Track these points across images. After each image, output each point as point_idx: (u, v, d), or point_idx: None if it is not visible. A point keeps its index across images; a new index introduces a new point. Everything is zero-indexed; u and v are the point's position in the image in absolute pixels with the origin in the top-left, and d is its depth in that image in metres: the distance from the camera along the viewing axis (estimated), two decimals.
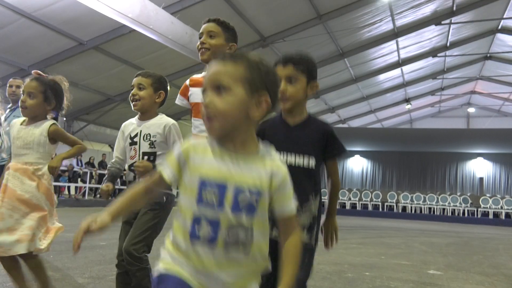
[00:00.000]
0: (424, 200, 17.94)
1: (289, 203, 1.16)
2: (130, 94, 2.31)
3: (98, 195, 15.77)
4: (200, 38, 2.23)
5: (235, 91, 1.07)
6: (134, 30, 9.38)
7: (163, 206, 2.20)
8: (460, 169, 20.94)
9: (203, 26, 2.21)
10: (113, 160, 2.38)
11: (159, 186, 1.19)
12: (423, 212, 17.72)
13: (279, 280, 1.13)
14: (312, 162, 1.75)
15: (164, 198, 2.21)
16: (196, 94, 2.23)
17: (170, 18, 9.15)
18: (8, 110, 3.92)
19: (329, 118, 23.23)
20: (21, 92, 2.30)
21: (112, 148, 19.63)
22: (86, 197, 14.29)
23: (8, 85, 4.04)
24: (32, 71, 2.41)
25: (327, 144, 1.79)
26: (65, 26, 10.24)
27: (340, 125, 24.35)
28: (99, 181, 15.59)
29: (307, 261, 1.75)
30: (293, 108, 1.80)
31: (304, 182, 1.73)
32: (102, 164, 16.39)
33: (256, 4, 11.15)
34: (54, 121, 2.34)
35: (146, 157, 2.25)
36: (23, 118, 2.34)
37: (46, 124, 2.28)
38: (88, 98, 14.44)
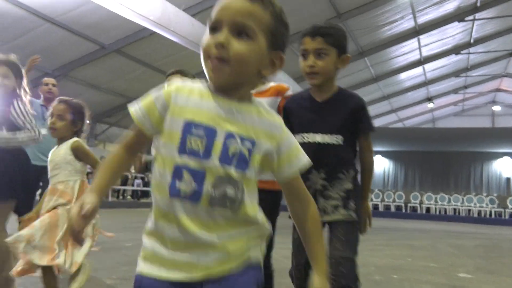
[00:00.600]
0: (449, 201, 17.57)
1: (297, 160, 0.99)
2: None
3: (121, 197, 15.97)
4: None
5: (258, 39, 0.92)
6: (154, 33, 9.46)
7: None
8: (485, 169, 20.44)
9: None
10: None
11: (139, 139, 1.02)
12: (447, 213, 17.35)
13: (312, 263, 1.01)
14: (339, 139, 1.69)
15: None
16: None
17: (191, 20, 9.19)
18: (42, 106, 3.97)
19: None
20: (50, 115, 2.37)
21: None
22: (110, 198, 14.47)
23: (43, 83, 4.17)
24: (58, 98, 2.47)
25: (356, 120, 1.72)
26: (88, 30, 10.41)
27: None
28: (123, 183, 15.78)
29: (351, 238, 1.67)
30: (322, 84, 1.71)
31: (332, 159, 1.69)
32: None
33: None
34: (78, 139, 2.38)
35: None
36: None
37: (70, 142, 2.34)
38: (109, 100, 14.67)
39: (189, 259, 0.91)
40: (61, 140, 2.37)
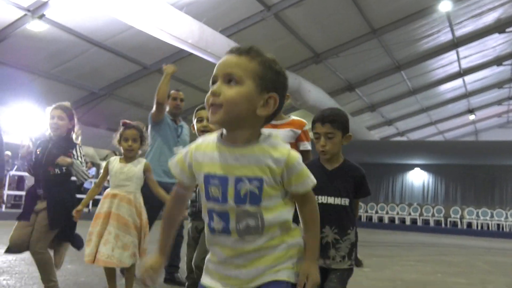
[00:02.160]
0: (492, 216, 16.98)
1: (303, 182, 1.17)
2: (200, 126, 2.66)
3: None
4: (201, 121, 2.79)
5: (246, 84, 1.08)
6: (193, 53, 9.96)
7: None
8: None
9: (200, 112, 2.71)
10: None
11: (184, 190, 1.26)
12: (490, 228, 16.76)
13: (305, 250, 1.21)
14: (346, 201, 2.08)
15: None
16: None
17: (227, 41, 9.61)
18: (173, 123, 4.01)
19: (386, 131, 22.76)
20: (125, 139, 2.87)
21: None
22: None
23: (171, 97, 4.01)
24: (121, 121, 2.95)
25: (357, 187, 2.11)
26: (131, 52, 11.09)
27: (398, 138, 23.75)
28: None
29: (346, 277, 2.09)
30: (331, 158, 2.13)
31: (342, 218, 2.08)
32: None
33: (309, 22, 11.40)
34: (147, 161, 2.96)
35: None
36: (118, 157, 2.92)
37: (143, 163, 2.90)
38: None
39: (226, 274, 1.16)
40: (131, 158, 2.87)
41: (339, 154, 2.16)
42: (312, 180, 1.20)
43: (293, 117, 2.54)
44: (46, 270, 2.84)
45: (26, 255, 3.27)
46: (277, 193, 1.14)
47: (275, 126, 2.41)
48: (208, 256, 1.23)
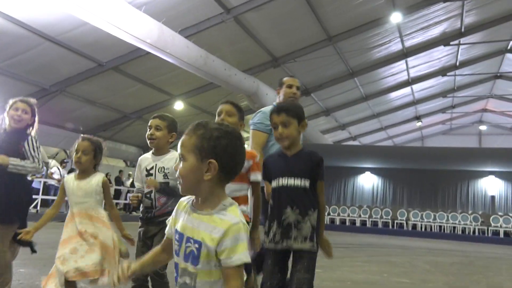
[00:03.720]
0: (434, 218, 17.96)
1: (233, 256, 1.23)
2: (148, 133, 2.66)
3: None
4: (219, 115, 2.60)
5: (188, 159, 1.28)
6: (150, 52, 9.86)
7: None
8: (471, 187, 20.88)
9: (222, 106, 2.60)
10: (136, 188, 2.76)
11: (170, 244, 1.41)
12: (433, 230, 17.74)
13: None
14: (306, 183, 2.23)
15: None
16: None
17: (186, 42, 9.61)
18: None
19: (340, 135, 23.49)
20: (75, 151, 2.71)
21: (127, 164, 20.07)
22: None
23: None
24: (81, 135, 2.84)
25: (314, 170, 2.26)
26: (86, 48, 10.79)
27: (351, 142, 24.56)
28: (116, 196, 16.01)
29: (311, 265, 2.18)
30: (290, 145, 2.30)
31: (302, 199, 2.22)
32: (119, 180, 16.80)
33: (268, 27, 11.60)
34: (104, 175, 2.79)
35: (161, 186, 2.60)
36: (73, 174, 2.76)
37: (100, 177, 2.72)
38: (105, 115, 15.00)
39: None
40: (84, 172, 2.71)
41: (298, 142, 2.33)
42: (246, 257, 1.24)
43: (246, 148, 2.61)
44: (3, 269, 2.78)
45: None
46: (214, 261, 1.26)
47: None
48: None
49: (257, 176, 2.53)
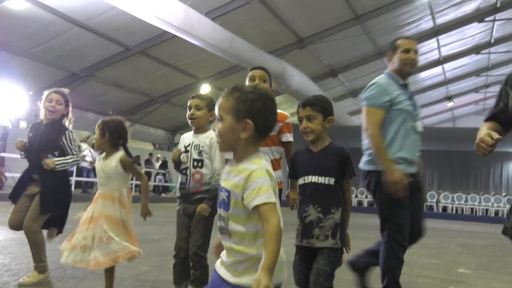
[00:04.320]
0: (466, 200, 17.56)
1: (252, 199, 1.31)
2: (188, 113, 2.69)
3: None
4: (252, 81, 2.67)
5: (226, 120, 1.40)
6: (176, 35, 9.90)
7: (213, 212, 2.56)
8: (505, 169, 20.27)
9: (254, 71, 2.63)
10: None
11: None
12: (464, 212, 17.36)
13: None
14: (331, 181, 2.21)
15: None
16: None
17: (212, 24, 9.58)
18: None
19: None
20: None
21: (155, 147, 20.39)
22: (133, 193, 15.04)
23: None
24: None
25: (343, 167, 2.23)
26: (114, 33, 10.93)
27: None
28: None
29: (333, 259, 2.18)
30: (315, 139, 2.28)
31: (326, 197, 2.21)
32: (148, 162, 17.11)
33: (294, 7, 11.41)
34: (125, 153, 2.77)
35: (195, 163, 2.64)
36: (103, 154, 2.80)
37: (118, 155, 2.73)
38: (133, 99, 15.25)
39: (221, 258, 1.44)
40: (108, 153, 2.75)
41: (324, 137, 2.29)
42: (267, 197, 1.31)
43: (278, 111, 2.59)
44: (38, 250, 2.92)
45: (16, 235, 3.31)
46: (241, 207, 1.36)
47: None
48: None
49: (287, 137, 2.71)
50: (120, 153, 2.75)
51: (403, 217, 2.72)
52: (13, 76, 11.41)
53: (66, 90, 3.21)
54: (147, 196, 2.84)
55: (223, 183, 1.42)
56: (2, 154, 10.71)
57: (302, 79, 13.48)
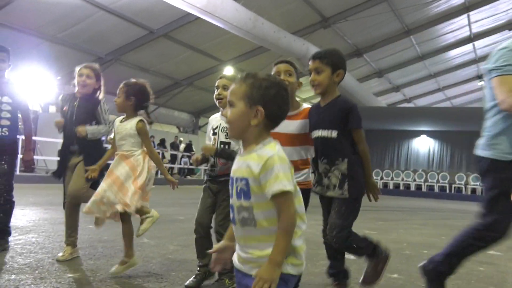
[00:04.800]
0: None
1: (270, 187, 1.28)
2: (216, 94, 2.66)
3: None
4: (278, 75, 2.44)
5: (237, 105, 1.37)
6: (199, 18, 9.86)
7: None
8: None
9: (279, 66, 2.43)
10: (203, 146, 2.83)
11: None
12: None
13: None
14: (334, 133, 2.26)
15: None
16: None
17: (235, 5, 9.48)
18: None
19: (394, 97, 22.65)
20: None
21: (179, 130, 20.60)
22: (159, 176, 15.30)
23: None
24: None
25: (344, 118, 2.25)
26: (137, 16, 10.98)
27: (405, 104, 23.64)
28: (172, 161, 16.54)
29: (344, 211, 2.26)
30: (323, 92, 2.32)
31: (330, 149, 2.28)
32: (173, 145, 17.30)
33: None
34: (142, 118, 2.83)
35: (222, 146, 2.63)
36: (122, 117, 2.90)
37: (135, 121, 2.80)
38: (157, 82, 15.36)
39: (239, 255, 1.40)
40: (127, 116, 2.84)
41: (332, 91, 2.31)
42: (284, 186, 1.28)
43: (305, 105, 2.53)
44: (74, 221, 3.07)
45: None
46: (263, 192, 1.31)
47: (289, 118, 2.35)
48: None
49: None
50: (137, 119, 2.81)
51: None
52: (42, 61, 11.65)
53: (96, 65, 3.25)
54: (164, 167, 2.93)
55: (237, 173, 1.38)
56: (34, 138, 11.02)
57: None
